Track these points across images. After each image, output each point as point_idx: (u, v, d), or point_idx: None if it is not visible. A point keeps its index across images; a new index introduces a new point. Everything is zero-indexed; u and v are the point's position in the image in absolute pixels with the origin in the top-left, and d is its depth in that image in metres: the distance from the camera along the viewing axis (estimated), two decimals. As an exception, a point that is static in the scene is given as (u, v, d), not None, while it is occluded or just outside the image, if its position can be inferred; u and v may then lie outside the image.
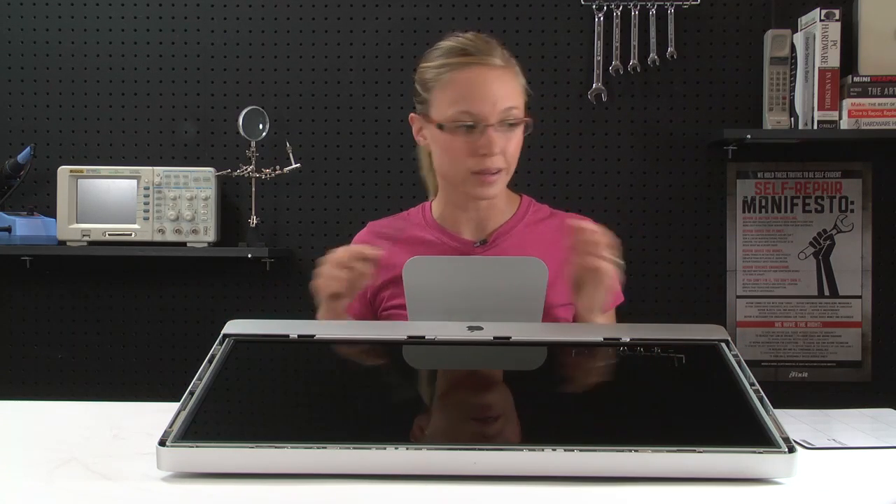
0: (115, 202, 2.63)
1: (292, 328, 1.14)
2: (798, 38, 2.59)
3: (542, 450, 0.88)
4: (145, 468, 0.92)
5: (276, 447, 0.89)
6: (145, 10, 2.78)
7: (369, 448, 0.88)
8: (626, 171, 2.73)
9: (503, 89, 1.52)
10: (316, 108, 2.77)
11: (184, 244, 2.62)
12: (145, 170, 2.63)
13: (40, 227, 2.69)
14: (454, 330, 1.14)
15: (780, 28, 2.64)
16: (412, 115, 1.64)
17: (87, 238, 2.61)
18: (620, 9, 2.69)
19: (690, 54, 2.72)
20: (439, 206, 1.66)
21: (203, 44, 2.78)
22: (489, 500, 0.85)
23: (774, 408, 0.97)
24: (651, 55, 2.69)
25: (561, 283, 1.45)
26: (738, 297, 2.73)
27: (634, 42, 2.69)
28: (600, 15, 2.70)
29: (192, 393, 0.98)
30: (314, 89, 2.77)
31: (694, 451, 0.88)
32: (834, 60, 2.53)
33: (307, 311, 2.71)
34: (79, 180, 2.63)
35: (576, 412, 1.02)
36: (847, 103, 2.51)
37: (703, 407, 1.03)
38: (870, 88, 2.52)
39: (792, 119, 2.60)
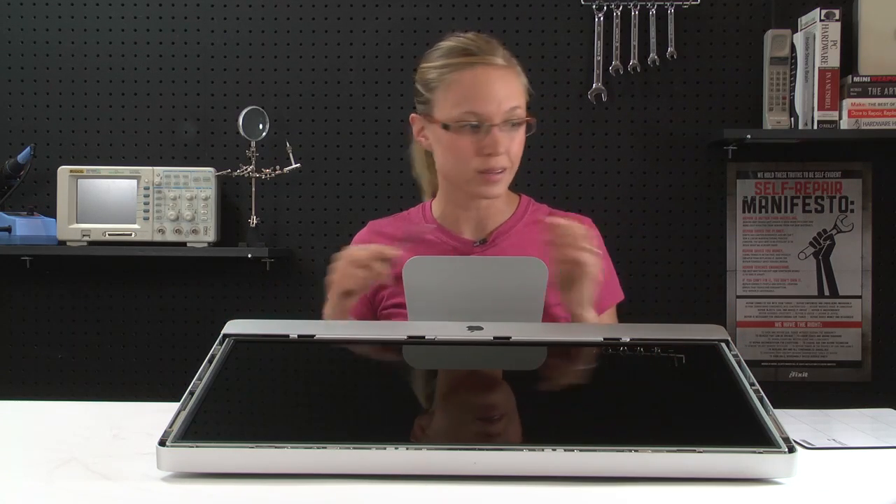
0: (115, 202, 2.63)
1: (292, 328, 1.14)
2: (798, 38, 2.59)
3: (542, 450, 0.88)
4: (145, 468, 0.92)
5: (276, 447, 0.89)
6: (145, 10, 2.78)
7: (369, 448, 0.88)
8: (626, 171, 2.73)
9: (506, 89, 1.53)
10: (316, 108, 2.77)
11: (184, 244, 2.62)
12: (145, 170, 2.63)
13: (40, 227, 2.69)
14: (454, 330, 1.14)
15: (780, 28, 2.64)
16: (413, 115, 1.64)
17: (87, 238, 2.61)
18: (620, 9, 2.69)
19: (690, 54, 2.72)
20: (440, 206, 1.66)
21: (203, 44, 2.78)
22: (489, 500, 0.85)
23: (774, 408, 0.97)
24: (651, 55, 2.69)
25: None
26: (738, 297, 2.73)
27: (634, 42, 2.69)
28: (600, 15, 2.70)
29: (192, 393, 0.98)
30: (314, 89, 2.77)
31: (694, 451, 0.88)
32: (834, 60, 2.53)
33: (307, 311, 2.73)
34: (79, 180, 2.63)
35: (576, 412, 1.02)
36: (847, 103, 2.51)
37: (703, 407, 1.03)
38: (870, 88, 2.52)
39: (792, 119, 2.60)
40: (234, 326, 1.13)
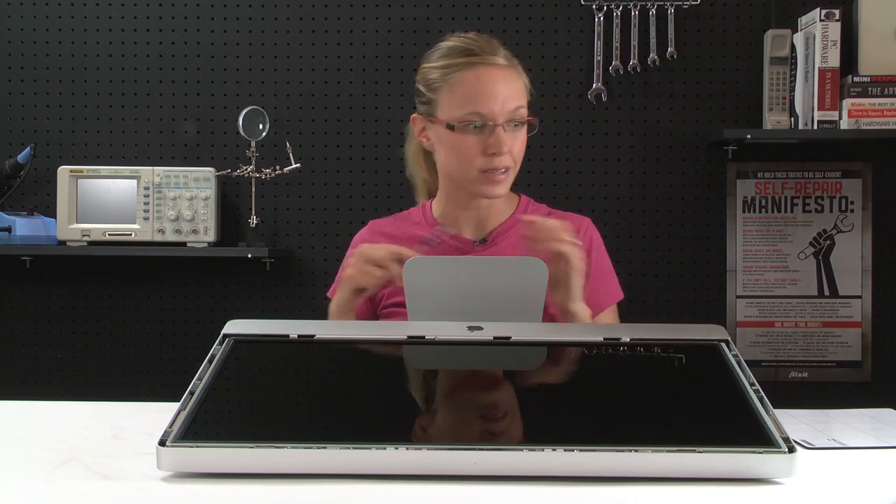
0: (115, 202, 2.63)
1: (292, 328, 1.14)
2: (798, 38, 2.59)
3: (542, 450, 0.88)
4: (145, 468, 0.92)
5: (276, 447, 0.89)
6: (145, 10, 2.78)
7: (369, 448, 0.88)
8: (626, 171, 2.73)
9: (509, 89, 1.53)
10: (316, 108, 2.77)
11: (184, 244, 2.62)
12: (145, 170, 2.63)
13: (40, 227, 2.69)
14: (454, 330, 1.14)
15: (780, 28, 2.64)
16: (414, 115, 1.64)
17: (87, 238, 2.61)
18: (620, 9, 2.69)
19: (690, 54, 2.72)
20: (440, 206, 1.67)
21: (203, 44, 2.78)
22: (489, 500, 0.85)
23: (774, 408, 0.97)
24: (651, 55, 2.69)
25: None
26: (738, 297, 2.73)
27: (634, 42, 2.69)
28: (600, 15, 2.70)
29: (192, 393, 0.98)
30: (314, 89, 2.77)
31: (694, 451, 0.88)
32: (834, 60, 2.53)
33: (307, 311, 2.73)
34: (79, 180, 2.63)
35: (576, 412, 1.02)
36: (847, 103, 2.51)
37: (703, 407, 1.03)
38: (870, 88, 2.52)
39: (792, 119, 2.60)
40: (234, 326, 1.13)
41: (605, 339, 1.15)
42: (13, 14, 2.79)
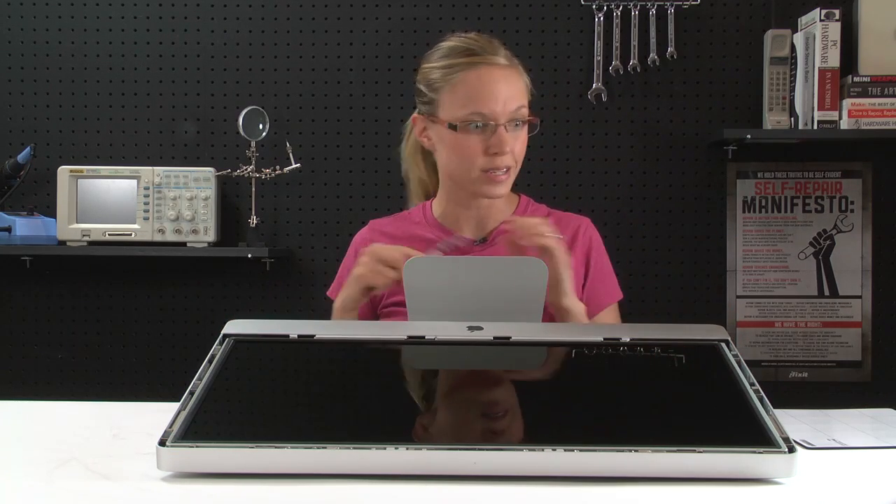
0: (115, 202, 2.63)
1: (292, 328, 1.14)
2: (798, 38, 2.59)
3: (542, 450, 0.88)
4: (145, 468, 0.92)
5: (276, 447, 0.89)
6: (145, 10, 2.78)
7: (369, 448, 0.88)
8: (626, 171, 2.73)
9: (511, 89, 1.54)
10: (316, 108, 2.77)
11: (184, 244, 2.62)
12: (145, 170, 2.63)
13: (40, 227, 2.69)
14: (454, 330, 1.14)
15: (780, 28, 2.64)
16: (415, 115, 1.64)
17: (87, 238, 2.61)
18: (620, 9, 2.69)
19: (690, 54, 2.72)
20: (440, 205, 1.67)
21: (203, 44, 2.78)
22: (489, 500, 0.85)
23: (774, 408, 0.97)
24: (651, 55, 2.69)
25: None
26: (738, 297, 2.73)
27: (634, 42, 2.69)
28: (600, 15, 2.70)
29: (192, 393, 0.98)
30: (314, 89, 2.77)
31: (694, 451, 0.88)
32: (834, 60, 2.53)
33: (307, 311, 2.73)
34: (79, 180, 2.63)
35: (576, 412, 1.02)
36: (847, 103, 2.51)
37: (703, 407, 1.03)
38: (870, 88, 2.52)
39: (792, 119, 2.60)
40: (234, 326, 1.13)
41: (605, 339, 1.15)
42: (13, 14, 2.79)
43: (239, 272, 2.76)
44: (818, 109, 2.52)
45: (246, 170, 2.63)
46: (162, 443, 0.90)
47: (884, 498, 0.89)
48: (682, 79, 2.72)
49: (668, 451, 0.88)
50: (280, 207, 2.77)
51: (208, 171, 2.64)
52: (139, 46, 2.78)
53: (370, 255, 1.41)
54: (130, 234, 2.62)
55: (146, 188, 2.62)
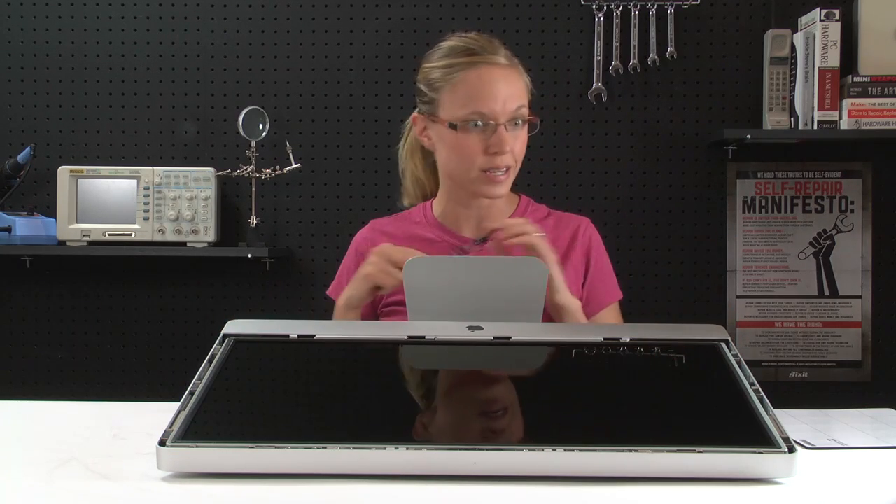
0: (115, 202, 2.63)
1: (292, 328, 1.14)
2: (798, 38, 2.59)
3: (542, 450, 0.88)
4: (145, 468, 0.92)
5: (276, 447, 0.89)
6: (145, 10, 2.78)
7: (369, 448, 0.88)
8: (626, 171, 2.73)
9: (511, 88, 1.54)
10: (316, 108, 2.77)
11: (184, 244, 2.62)
12: (145, 170, 2.63)
13: (40, 227, 2.69)
14: (454, 330, 1.14)
15: (780, 28, 2.64)
16: (415, 115, 1.64)
17: (87, 238, 2.61)
18: (620, 9, 2.69)
19: (690, 54, 2.72)
20: (440, 205, 1.67)
21: (203, 44, 2.78)
22: (489, 500, 0.85)
23: (774, 408, 0.97)
24: (651, 55, 2.69)
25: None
26: (738, 297, 2.73)
27: (634, 42, 2.69)
28: (600, 15, 2.70)
29: (192, 393, 0.98)
30: (314, 89, 2.77)
31: (694, 451, 0.88)
32: (834, 60, 2.53)
33: (307, 311, 2.73)
34: (79, 180, 2.63)
35: (576, 412, 1.02)
36: (847, 103, 2.52)
37: (703, 407, 1.03)
38: (870, 88, 2.52)
39: (792, 119, 2.60)
40: (234, 326, 1.13)
41: (605, 339, 1.15)
42: (13, 14, 2.79)
43: (239, 272, 2.76)
44: (818, 109, 2.52)
45: (246, 170, 2.63)
46: (162, 443, 0.90)
47: (884, 498, 0.89)
48: (682, 79, 2.72)
49: (668, 451, 0.88)
50: (280, 207, 2.77)
51: (208, 171, 2.64)
52: (139, 46, 2.78)
53: (380, 255, 1.42)
54: (130, 234, 2.62)
55: (146, 188, 2.62)
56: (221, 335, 1.11)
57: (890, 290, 2.71)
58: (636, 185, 2.73)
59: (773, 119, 2.61)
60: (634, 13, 2.69)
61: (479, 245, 1.62)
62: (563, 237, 1.64)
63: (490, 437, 0.97)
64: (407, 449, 0.88)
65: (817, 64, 2.53)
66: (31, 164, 2.67)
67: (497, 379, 1.14)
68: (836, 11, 2.53)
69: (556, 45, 2.73)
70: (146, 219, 2.62)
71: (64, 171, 2.62)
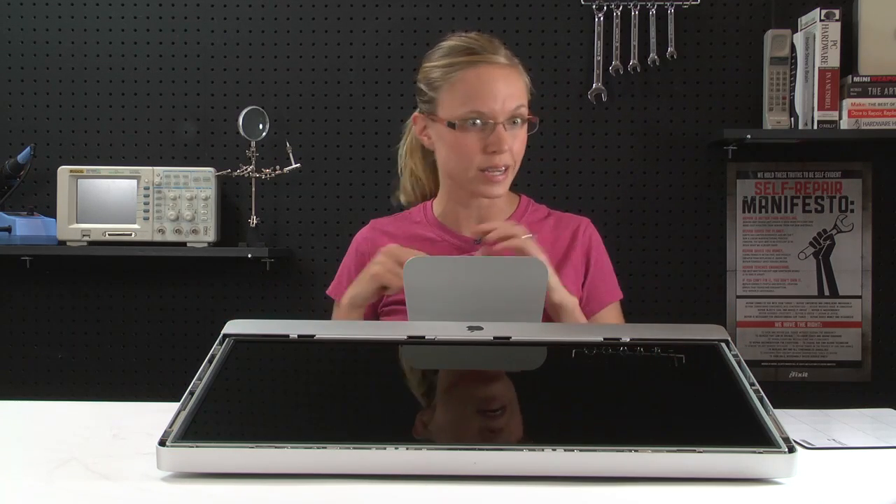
0: (115, 202, 2.63)
1: (292, 328, 1.14)
2: (798, 38, 2.59)
3: (542, 450, 0.88)
4: (145, 468, 0.92)
5: (276, 447, 0.89)
6: (145, 10, 2.78)
7: (369, 448, 0.88)
8: (626, 171, 2.73)
9: (510, 88, 1.54)
10: (316, 108, 2.77)
11: (184, 244, 2.62)
12: (145, 170, 2.63)
13: (40, 227, 2.69)
14: (454, 330, 1.14)
15: (780, 28, 2.64)
16: (415, 114, 1.65)
17: (87, 238, 2.61)
18: (620, 9, 2.69)
19: (690, 54, 2.72)
20: (441, 205, 1.67)
21: (203, 44, 2.78)
22: (489, 500, 0.85)
23: (774, 408, 0.97)
24: (651, 55, 2.69)
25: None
26: (738, 297, 2.73)
27: (634, 42, 2.69)
28: (600, 15, 2.70)
29: (192, 393, 0.98)
30: (314, 89, 2.77)
31: (694, 451, 0.88)
32: (834, 60, 2.53)
33: (307, 311, 2.73)
34: (79, 180, 2.63)
35: (576, 412, 1.02)
36: (847, 103, 2.51)
37: (703, 407, 1.03)
38: (870, 88, 2.52)
39: (792, 119, 2.60)
40: (234, 326, 1.13)
41: (605, 339, 1.14)
42: (13, 14, 2.79)
43: (239, 272, 2.76)
44: (818, 109, 2.52)
45: (246, 170, 2.63)
46: (162, 443, 0.90)
47: (884, 498, 0.89)
48: (682, 79, 2.72)
49: (668, 451, 0.88)
50: (280, 207, 2.77)
51: (208, 171, 2.64)
52: (139, 46, 2.78)
53: (388, 256, 1.42)
54: (130, 234, 2.62)
55: (146, 188, 2.62)
56: (221, 335, 1.11)
57: (890, 290, 2.71)
58: (636, 185, 2.73)
59: (773, 119, 2.61)
60: (634, 13, 2.69)
61: (478, 244, 1.62)
62: (563, 237, 1.64)
63: (490, 437, 0.97)
64: (407, 449, 0.88)
65: (817, 64, 2.53)
66: (31, 164, 2.67)
67: (497, 379, 1.14)
68: (836, 11, 2.53)
69: (556, 45, 2.73)
70: (146, 219, 2.62)
71: (64, 171, 2.62)
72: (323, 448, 0.89)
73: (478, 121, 1.52)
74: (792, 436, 0.92)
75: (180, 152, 2.77)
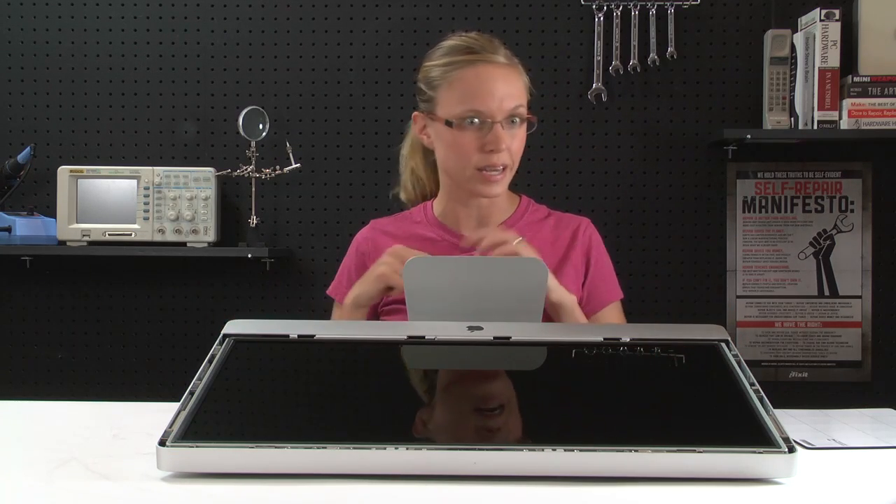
0: (115, 202, 2.63)
1: (292, 328, 1.14)
2: (798, 38, 2.59)
3: (542, 450, 0.88)
4: (145, 468, 0.92)
5: (276, 447, 0.89)
6: (145, 10, 2.78)
7: (369, 448, 0.88)
8: (626, 171, 2.73)
9: (509, 87, 1.54)
10: (316, 108, 2.77)
11: (184, 244, 2.62)
12: (145, 170, 2.63)
13: (40, 227, 2.69)
14: (454, 330, 1.14)
15: (780, 28, 2.64)
16: (415, 113, 1.65)
17: (87, 238, 2.61)
18: (620, 9, 2.69)
19: (690, 54, 2.72)
20: (441, 204, 1.67)
21: (203, 44, 2.78)
22: (489, 500, 0.85)
23: (774, 408, 0.97)
24: (651, 55, 2.69)
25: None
26: (738, 297, 2.73)
27: (634, 42, 2.69)
28: (600, 15, 2.70)
29: (192, 393, 0.98)
30: (314, 89, 2.77)
31: (694, 451, 0.88)
32: (834, 60, 2.53)
33: (307, 311, 2.73)
34: (79, 180, 2.63)
35: (576, 412, 1.02)
36: (847, 103, 2.51)
37: (703, 407, 1.03)
38: (870, 88, 2.52)
39: (792, 119, 2.60)
40: (234, 326, 1.13)
41: (605, 339, 1.14)
42: (13, 14, 2.79)
43: (239, 272, 2.76)
44: (818, 109, 2.52)
45: (246, 170, 2.63)
46: (162, 443, 0.90)
47: (884, 498, 0.89)
48: (682, 79, 2.72)
49: (668, 451, 0.88)
50: (280, 207, 2.77)
51: (208, 171, 2.64)
52: (139, 46, 2.78)
53: (394, 256, 1.41)
54: (130, 234, 2.62)
55: (146, 188, 2.62)
56: (221, 335, 1.11)
57: (890, 290, 2.71)
58: (636, 185, 2.73)
59: (773, 119, 2.61)
60: (634, 13, 2.69)
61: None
62: (563, 237, 1.64)
63: (490, 437, 0.97)
64: (407, 449, 0.88)
65: (817, 64, 2.53)
66: (31, 164, 2.67)
67: (497, 379, 1.14)
68: (836, 11, 2.53)
69: (556, 45, 2.73)
70: (146, 219, 2.62)
71: (64, 171, 2.62)
72: (323, 448, 0.89)
73: (475, 119, 1.52)
74: (792, 436, 0.92)
75: (180, 152, 2.77)
